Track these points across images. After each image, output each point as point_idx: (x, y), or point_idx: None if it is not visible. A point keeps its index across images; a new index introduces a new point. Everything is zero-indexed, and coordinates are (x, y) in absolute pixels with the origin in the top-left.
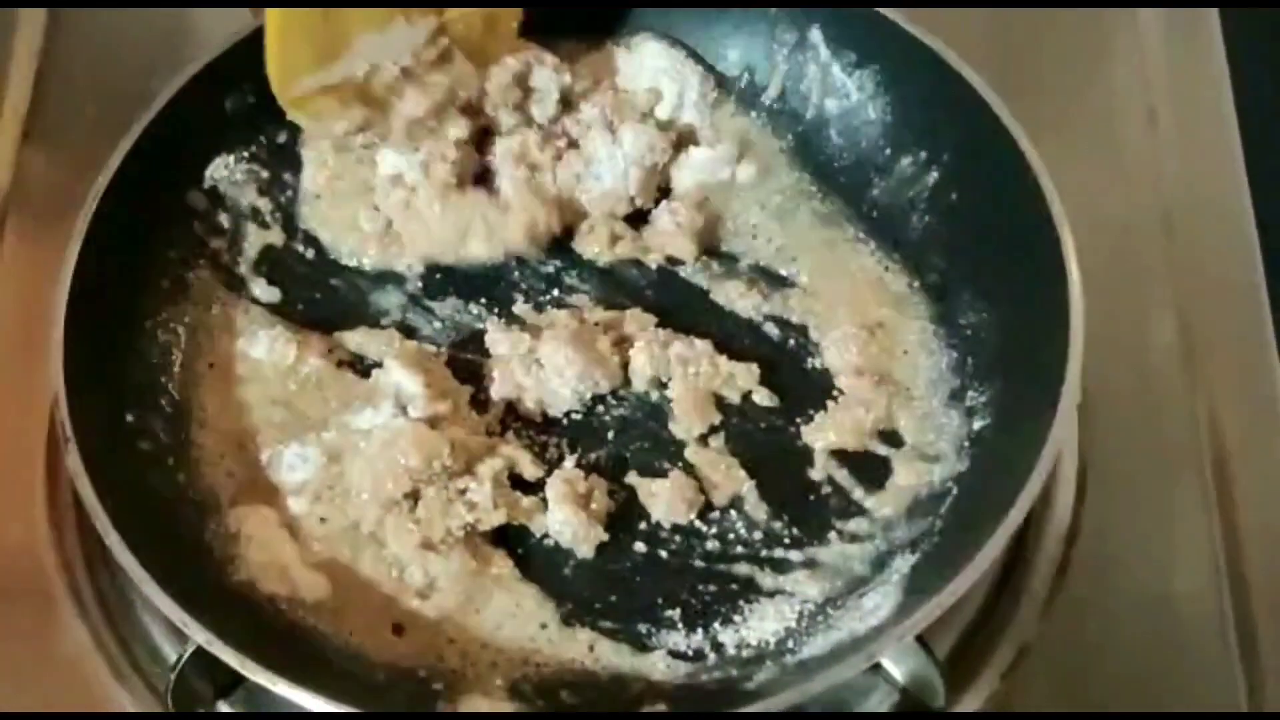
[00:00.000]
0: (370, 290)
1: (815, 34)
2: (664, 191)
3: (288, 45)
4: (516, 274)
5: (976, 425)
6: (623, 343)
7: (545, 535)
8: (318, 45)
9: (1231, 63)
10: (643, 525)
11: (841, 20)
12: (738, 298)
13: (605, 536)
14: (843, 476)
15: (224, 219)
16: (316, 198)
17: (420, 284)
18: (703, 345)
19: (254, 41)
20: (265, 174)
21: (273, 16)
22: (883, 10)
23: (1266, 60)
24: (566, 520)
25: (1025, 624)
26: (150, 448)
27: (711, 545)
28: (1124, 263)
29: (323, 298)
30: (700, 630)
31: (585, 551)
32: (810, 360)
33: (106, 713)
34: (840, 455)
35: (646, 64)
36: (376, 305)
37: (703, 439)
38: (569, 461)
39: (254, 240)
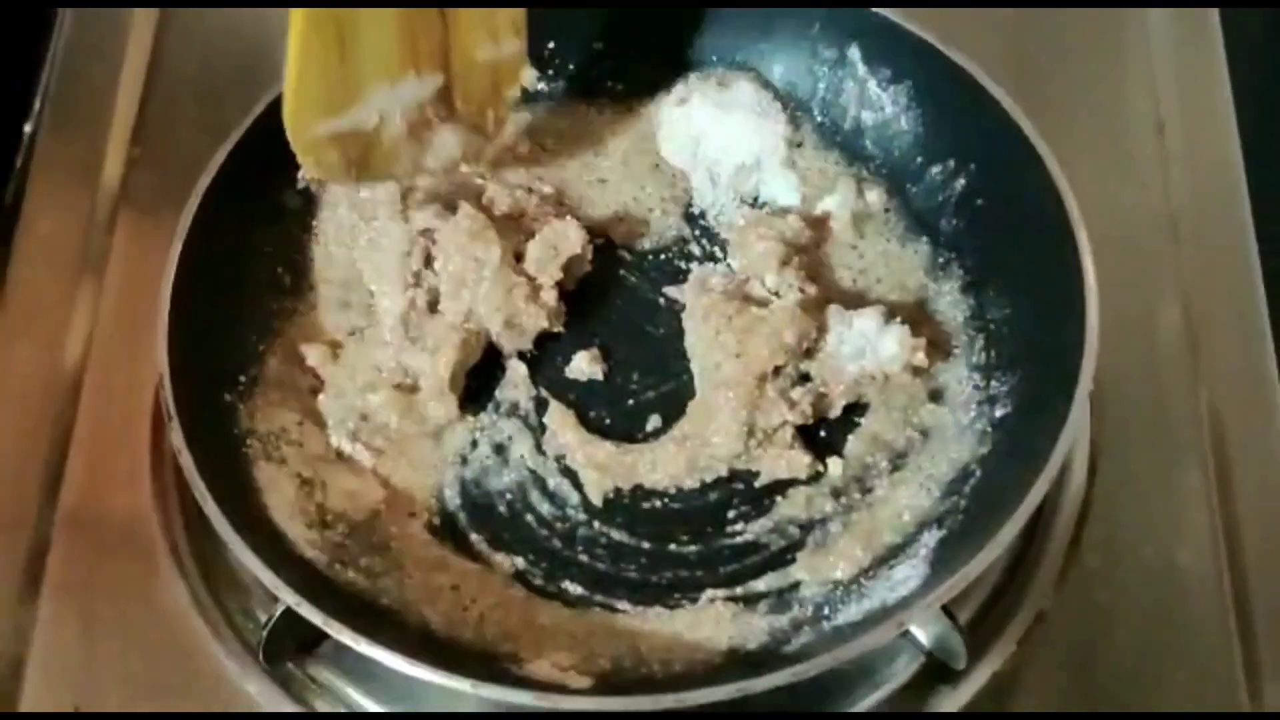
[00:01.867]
0: None
1: (854, 52)
2: None
3: (305, 89)
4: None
5: (998, 412)
6: None
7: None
8: (333, 91)
9: (1234, 79)
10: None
11: (878, 39)
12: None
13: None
14: (874, 459)
15: (314, 218)
16: None
17: None
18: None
19: None
20: None
21: (293, 61)
22: (914, 30)
23: (1266, 82)
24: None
25: (1041, 594)
26: (243, 427)
27: (762, 523)
28: (1134, 263)
29: None
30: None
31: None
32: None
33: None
34: (874, 440)
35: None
36: None
37: None
38: None
39: (338, 235)
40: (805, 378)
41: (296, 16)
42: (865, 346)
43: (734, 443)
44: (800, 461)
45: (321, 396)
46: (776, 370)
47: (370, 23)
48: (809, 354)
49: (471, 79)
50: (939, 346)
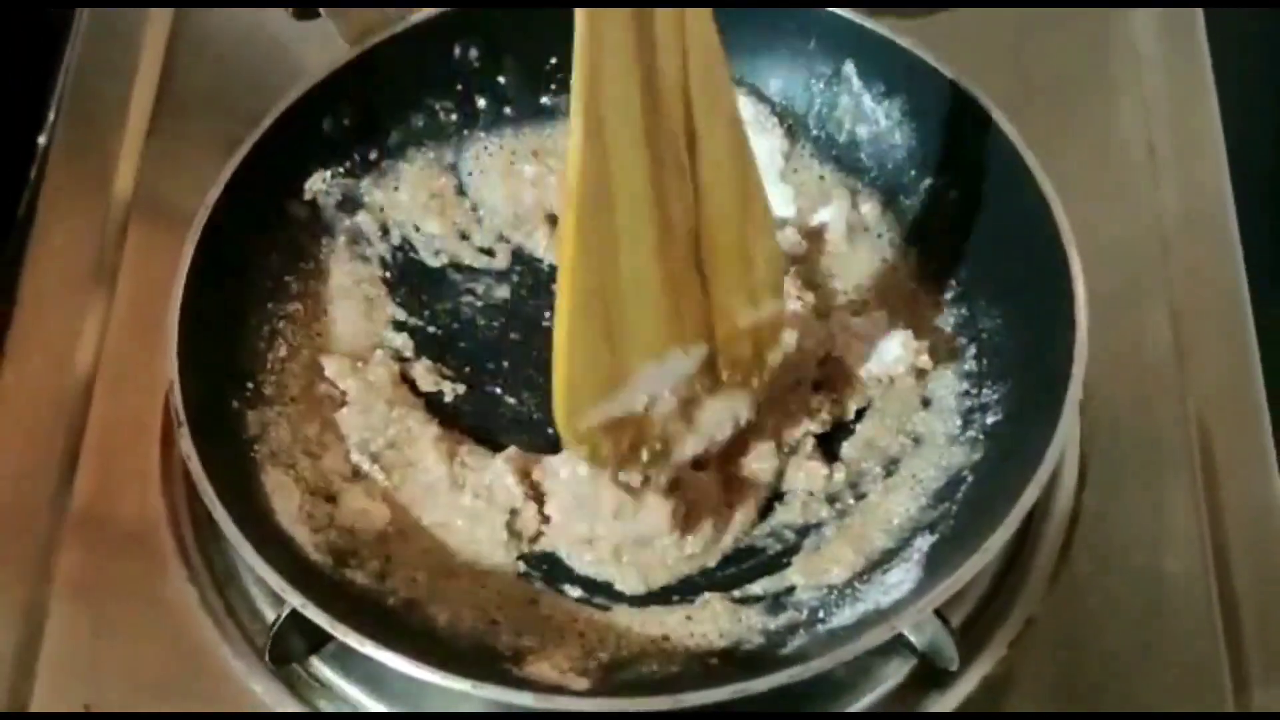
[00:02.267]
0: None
1: (848, 67)
2: None
3: (575, 380)
4: None
5: (989, 420)
6: None
7: None
8: (602, 378)
9: (1222, 99)
10: None
11: (872, 55)
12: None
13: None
14: (868, 465)
15: (320, 227)
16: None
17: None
18: None
19: (349, 70)
20: (358, 187)
21: (561, 353)
22: (909, 46)
23: (1254, 101)
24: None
25: (1032, 597)
26: (252, 433)
27: (759, 527)
28: (1123, 277)
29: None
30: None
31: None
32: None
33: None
34: (868, 446)
35: None
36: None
37: None
38: None
39: (346, 245)
40: (817, 386)
41: (562, 307)
42: (870, 350)
43: (772, 460)
44: (818, 472)
45: (344, 410)
46: (799, 382)
47: (636, 301)
48: (824, 362)
49: (734, 346)
50: (937, 350)
